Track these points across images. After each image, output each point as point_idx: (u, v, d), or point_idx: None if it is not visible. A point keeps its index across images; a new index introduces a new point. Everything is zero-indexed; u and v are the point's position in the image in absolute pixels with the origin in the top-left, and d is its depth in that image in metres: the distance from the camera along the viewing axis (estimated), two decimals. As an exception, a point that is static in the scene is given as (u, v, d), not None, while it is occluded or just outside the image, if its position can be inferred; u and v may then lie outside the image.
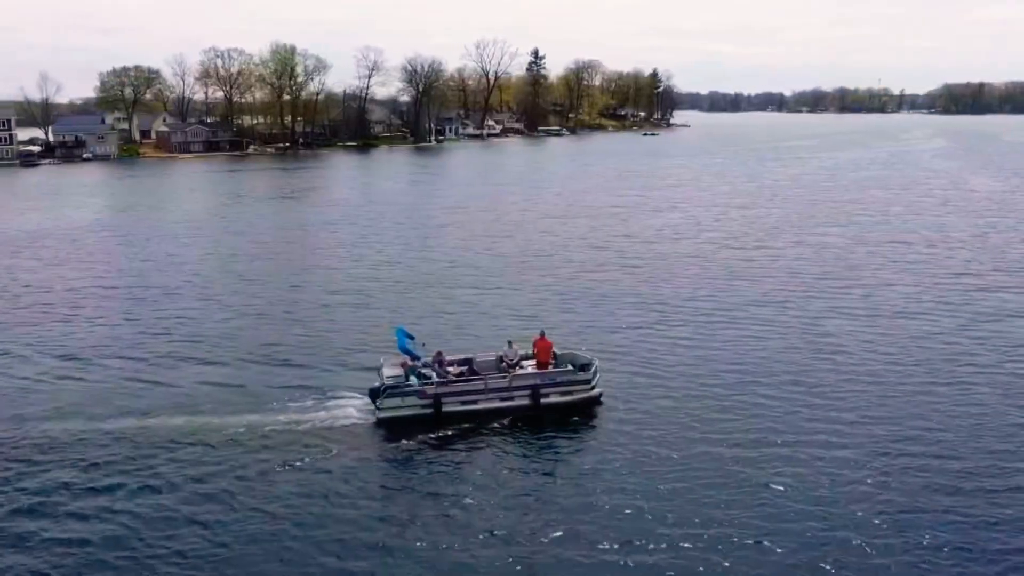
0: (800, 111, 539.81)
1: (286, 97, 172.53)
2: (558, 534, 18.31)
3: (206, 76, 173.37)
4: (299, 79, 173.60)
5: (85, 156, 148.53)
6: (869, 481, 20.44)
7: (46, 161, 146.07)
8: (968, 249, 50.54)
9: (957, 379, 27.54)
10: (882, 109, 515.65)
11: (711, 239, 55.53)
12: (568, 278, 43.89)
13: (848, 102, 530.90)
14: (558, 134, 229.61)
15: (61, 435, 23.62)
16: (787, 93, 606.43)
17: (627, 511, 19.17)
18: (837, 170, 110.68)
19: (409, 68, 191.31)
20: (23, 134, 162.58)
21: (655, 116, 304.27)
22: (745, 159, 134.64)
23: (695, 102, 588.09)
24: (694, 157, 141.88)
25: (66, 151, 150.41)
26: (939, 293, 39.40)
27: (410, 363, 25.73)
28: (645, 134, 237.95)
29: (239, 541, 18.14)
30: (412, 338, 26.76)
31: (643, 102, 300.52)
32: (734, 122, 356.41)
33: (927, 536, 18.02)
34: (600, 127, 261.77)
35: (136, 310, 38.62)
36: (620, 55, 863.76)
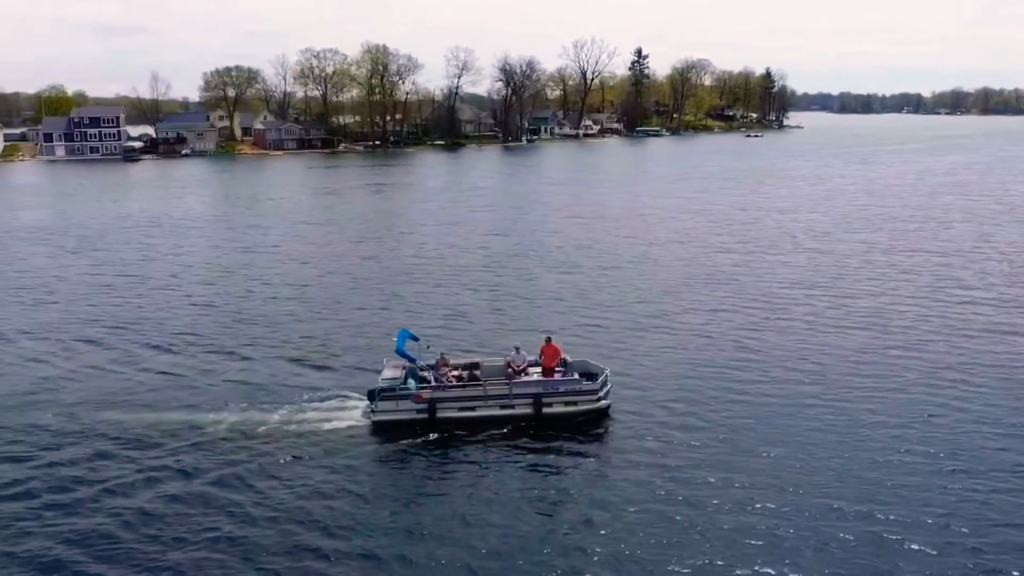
0: (938, 113, 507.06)
1: (377, 96, 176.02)
2: (548, 550, 17.30)
3: (303, 76, 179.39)
4: (392, 78, 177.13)
5: (184, 152, 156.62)
6: (885, 489, 19.38)
7: (148, 156, 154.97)
8: (995, 261, 45.21)
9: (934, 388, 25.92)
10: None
11: (721, 244, 52.32)
12: (581, 281, 42.12)
13: (991, 104, 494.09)
14: (657, 135, 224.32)
15: (61, 426, 23.83)
16: (926, 94, 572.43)
17: (622, 529, 17.98)
18: (924, 174, 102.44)
19: (506, 67, 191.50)
20: (135, 131, 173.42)
21: (767, 117, 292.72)
22: (832, 161, 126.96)
23: (825, 103, 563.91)
24: (782, 159, 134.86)
25: (167, 147, 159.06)
26: (932, 302, 36.48)
27: (409, 365, 24.96)
28: (748, 135, 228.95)
29: (219, 541, 17.78)
30: (416, 340, 25.87)
31: (754, 102, 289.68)
32: (856, 124, 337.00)
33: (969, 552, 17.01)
34: (706, 128, 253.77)
35: (146, 305, 38.73)
36: (751, 55, 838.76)
